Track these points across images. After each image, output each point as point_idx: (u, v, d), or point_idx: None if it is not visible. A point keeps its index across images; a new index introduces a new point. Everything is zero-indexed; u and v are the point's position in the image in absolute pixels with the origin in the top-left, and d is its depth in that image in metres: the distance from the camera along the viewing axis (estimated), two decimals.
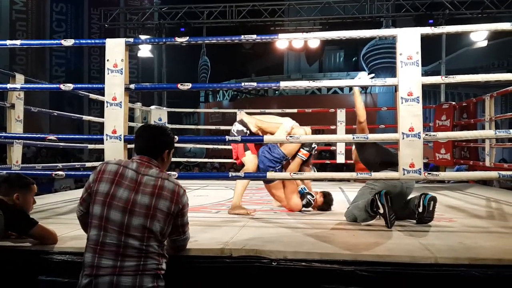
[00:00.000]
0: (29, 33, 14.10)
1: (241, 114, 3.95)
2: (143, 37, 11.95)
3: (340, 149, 6.91)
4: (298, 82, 3.20)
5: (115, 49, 3.05)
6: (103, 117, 3.10)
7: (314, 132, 4.26)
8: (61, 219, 3.27)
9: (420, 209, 3.00)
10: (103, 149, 3.11)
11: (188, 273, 2.26)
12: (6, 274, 2.34)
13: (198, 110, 17.29)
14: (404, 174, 2.78)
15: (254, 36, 3.08)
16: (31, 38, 13.61)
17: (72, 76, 14.67)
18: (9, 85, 3.81)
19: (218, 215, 3.61)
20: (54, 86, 3.83)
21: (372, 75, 3.29)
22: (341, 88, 16.43)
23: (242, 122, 3.84)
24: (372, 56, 16.65)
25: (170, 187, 1.94)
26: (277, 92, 17.37)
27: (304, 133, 3.76)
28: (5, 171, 3.61)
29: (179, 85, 3.04)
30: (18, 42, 3.51)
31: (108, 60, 3.05)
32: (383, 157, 3.27)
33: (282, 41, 10.47)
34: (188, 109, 12.77)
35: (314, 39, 10.54)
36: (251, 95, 18.82)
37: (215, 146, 8.43)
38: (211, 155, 12.83)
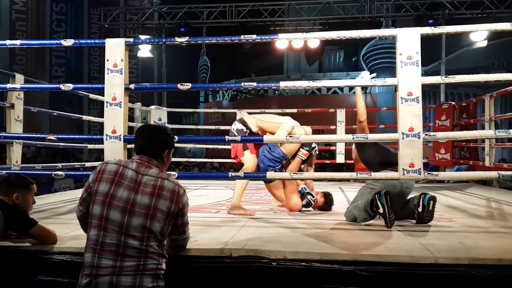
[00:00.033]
0: (29, 33, 14.10)
1: (243, 114, 3.93)
2: (143, 37, 11.94)
3: (340, 149, 6.91)
4: (298, 82, 3.19)
5: (115, 49, 3.05)
6: (102, 117, 3.10)
7: (314, 132, 4.25)
8: (60, 219, 3.27)
9: (420, 209, 3.00)
10: (102, 149, 3.11)
11: (188, 273, 2.26)
12: (5, 274, 2.34)
13: (198, 110, 17.31)
14: (403, 174, 2.78)
15: (254, 36, 3.08)
16: (31, 38, 13.61)
17: (72, 76, 14.67)
18: (8, 85, 3.80)
19: (218, 215, 3.61)
20: (54, 86, 3.83)
21: (374, 74, 3.28)
22: (341, 88, 16.46)
23: (242, 121, 3.84)
24: (372, 56, 16.67)
25: (170, 187, 1.94)
26: (277, 92, 17.38)
27: (304, 132, 3.75)
28: (4, 171, 3.61)
29: (179, 85, 3.04)
30: (18, 42, 3.50)
31: (108, 60, 3.05)
32: (383, 157, 3.27)
33: (282, 41, 10.47)
34: (188, 109, 12.77)
35: (314, 39, 10.54)
36: (251, 95, 18.83)
37: (215, 146, 8.43)
38: (211, 155, 12.84)
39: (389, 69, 14.96)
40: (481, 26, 3.91)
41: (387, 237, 2.65)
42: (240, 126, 3.80)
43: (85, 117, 6.63)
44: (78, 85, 4.93)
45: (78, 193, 3.05)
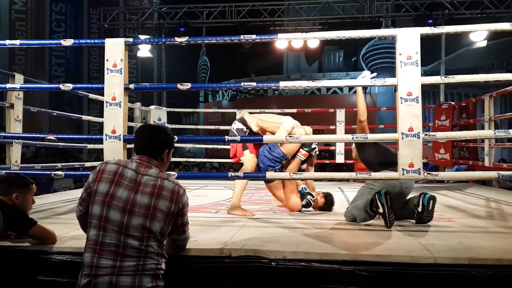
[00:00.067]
0: (28, 33, 14.09)
1: (244, 114, 3.93)
2: (142, 37, 11.94)
3: (340, 149, 6.91)
4: (298, 82, 3.19)
5: (114, 49, 3.05)
6: (102, 117, 3.10)
7: (314, 132, 4.25)
8: (60, 219, 3.27)
9: (420, 209, 3.00)
10: (102, 149, 3.10)
11: (188, 273, 2.26)
12: (5, 274, 2.34)
13: (197, 110, 17.30)
14: (403, 174, 2.78)
15: (254, 36, 3.08)
16: (30, 38, 13.60)
17: (71, 76, 14.66)
18: (8, 85, 3.80)
19: (218, 215, 3.61)
20: (54, 86, 3.82)
21: (375, 74, 3.28)
22: (341, 88, 16.46)
23: (243, 120, 3.83)
24: (372, 56, 16.68)
25: (170, 186, 1.94)
26: (276, 92, 17.38)
27: (305, 133, 3.74)
28: (4, 171, 3.61)
29: (178, 85, 3.04)
30: (17, 42, 3.50)
31: (107, 60, 3.04)
32: (383, 157, 3.27)
33: (282, 41, 10.46)
34: (188, 109, 12.77)
35: (313, 39, 10.54)
36: (251, 95, 18.83)
37: (215, 146, 8.43)
38: (211, 155, 12.84)
39: (389, 69, 14.97)
40: (481, 26, 3.91)
41: (386, 237, 2.65)
42: (240, 126, 3.80)
43: (84, 117, 6.63)
44: (78, 85, 4.93)
45: (77, 193, 3.05)
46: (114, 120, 3.02)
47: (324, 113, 7.42)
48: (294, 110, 6.80)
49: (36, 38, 13.71)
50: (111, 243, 1.81)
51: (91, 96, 5.44)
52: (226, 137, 3.21)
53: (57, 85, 3.41)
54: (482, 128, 5.89)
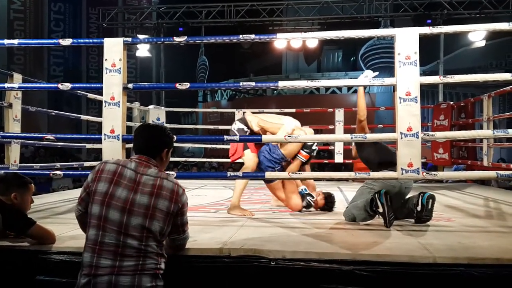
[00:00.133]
0: (27, 33, 14.06)
1: (246, 113, 3.91)
2: (141, 36, 11.95)
3: (338, 148, 6.91)
4: (297, 81, 3.19)
5: (113, 49, 3.05)
6: (101, 116, 3.09)
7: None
8: (59, 219, 3.27)
9: (419, 208, 3.00)
10: (101, 149, 3.10)
11: (187, 272, 2.26)
12: (4, 274, 2.33)
13: (196, 109, 17.30)
14: (402, 174, 2.78)
15: (253, 36, 3.07)
16: (29, 38, 13.56)
17: (70, 75, 14.63)
18: (7, 85, 3.79)
19: (217, 214, 3.61)
20: (52, 85, 3.83)
21: (377, 73, 3.27)
22: (339, 88, 16.46)
23: (244, 120, 3.82)
24: (371, 56, 16.66)
25: (169, 186, 1.94)
26: (275, 92, 17.36)
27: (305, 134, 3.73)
28: (2, 171, 3.61)
29: (177, 85, 3.03)
30: (16, 41, 3.50)
31: (106, 59, 3.04)
32: (382, 157, 3.27)
33: (281, 41, 10.47)
34: (187, 108, 12.77)
35: (312, 39, 10.53)
36: (250, 95, 18.81)
37: (214, 146, 8.42)
38: (210, 155, 12.83)
39: (388, 69, 14.94)
40: (479, 26, 3.91)
41: (386, 236, 2.66)
42: (241, 126, 3.79)
43: (83, 117, 6.61)
44: (77, 85, 4.93)
45: (76, 192, 3.05)
46: (113, 119, 3.02)
47: (323, 112, 7.43)
48: (293, 110, 6.80)
49: (35, 37, 13.69)
50: (110, 242, 1.81)
51: (90, 95, 5.43)
52: (225, 136, 3.20)
53: (56, 85, 3.40)
54: (481, 128, 5.89)
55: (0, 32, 13.27)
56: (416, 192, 3.19)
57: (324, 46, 16.17)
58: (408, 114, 2.76)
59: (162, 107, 7.57)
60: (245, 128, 3.76)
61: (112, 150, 3.00)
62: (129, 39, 3.18)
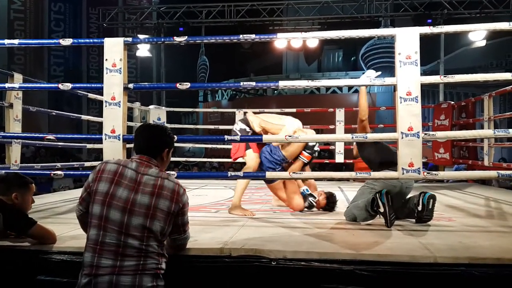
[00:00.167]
0: (27, 33, 14.07)
1: (248, 113, 3.90)
2: (141, 36, 11.95)
3: (339, 148, 6.91)
4: (297, 81, 3.19)
5: (113, 49, 3.05)
6: (101, 116, 3.09)
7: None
8: (60, 219, 3.27)
9: (420, 208, 3.00)
10: (102, 149, 3.10)
11: (188, 272, 2.26)
12: (5, 274, 2.33)
13: (197, 109, 17.30)
14: (403, 174, 2.78)
15: (253, 36, 3.07)
16: (29, 38, 13.58)
17: (70, 75, 14.64)
18: (7, 85, 3.79)
19: (218, 214, 3.61)
20: (53, 85, 3.82)
21: (379, 72, 3.27)
22: (340, 88, 16.46)
23: (245, 121, 3.82)
24: (371, 56, 16.65)
25: (170, 186, 1.94)
26: (275, 91, 17.36)
27: None
28: (3, 171, 3.61)
29: (177, 85, 3.03)
30: (16, 41, 3.50)
31: (106, 59, 3.04)
32: (383, 156, 3.27)
33: (281, 41, 10.45)
34: (187, 108, 12.78)
35: (312, 39, 10.54)
36: (250, 95, 18.81)
37: (214, 146, 8.42)
38: (210, 155, 12.84)
39: (388, 69, 14.94)
40: (480, 25, 3.90)
41: (387, 236, 2.65)
42: (243, 126, 3.79)
43: (84, 117, 6.62)
44: (77, 85, 4.93)
45: (77, 192, 3.05)
46: (114, 119, 3.02)
47: (323, 112, 7.42)
48: (294, 110, 6.80)
49: (35, 37, 13.70)
50: (111, 242, 1.81)
51: (90, 95, 5.43)
52: (226, 136, 3.20)
53: (56, 85, 3.40)
54: (482, 127, 5.89)
55: (0, 32, 13.28)
56: (417, 192, 3.19)
57: (324, 46, 16.17)
58: (409, 114, 2.76)
59: (163, 107, 7.57)
60: (247, 129, 3.76)
61: (112, 150, 3.00)
62: (130, 39, 3.18)
